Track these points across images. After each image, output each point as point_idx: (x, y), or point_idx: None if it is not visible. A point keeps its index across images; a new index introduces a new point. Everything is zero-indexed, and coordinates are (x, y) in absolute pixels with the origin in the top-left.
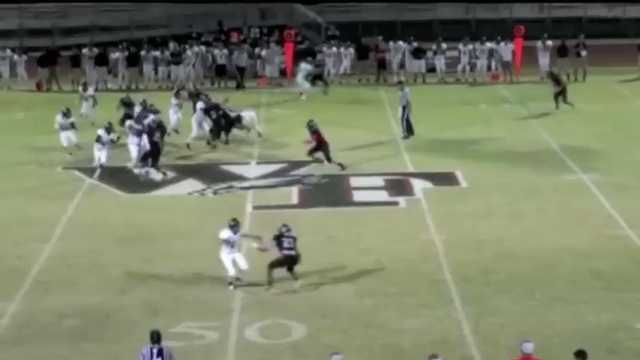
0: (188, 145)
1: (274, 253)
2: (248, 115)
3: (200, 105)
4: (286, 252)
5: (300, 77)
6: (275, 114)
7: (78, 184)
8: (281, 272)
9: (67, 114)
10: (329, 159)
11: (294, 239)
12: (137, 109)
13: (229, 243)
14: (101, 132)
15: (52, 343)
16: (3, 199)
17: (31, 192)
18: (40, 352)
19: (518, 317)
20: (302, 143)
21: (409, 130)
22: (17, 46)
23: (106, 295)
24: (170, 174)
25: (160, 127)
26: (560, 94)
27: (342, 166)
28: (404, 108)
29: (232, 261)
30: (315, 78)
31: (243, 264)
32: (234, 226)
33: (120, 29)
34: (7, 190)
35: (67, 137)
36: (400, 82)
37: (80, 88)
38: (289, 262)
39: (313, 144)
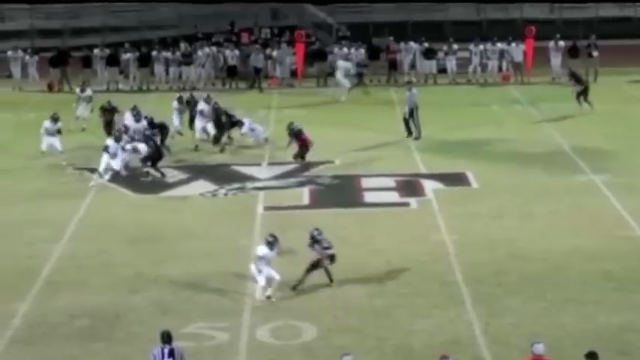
0: (196, 147)
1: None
2: (258, 129)
3: (201, 107)
4: (329, 251)
5: (339, 75)
6: (286, 115)
7: (88, 184)
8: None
9: (56, 119)
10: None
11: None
12: (128, 116)
13: (264, 260)
14: (110, 142)
15: (63, 343)
16: (14, 200)
17: (42, 192)
18: (50, 352)
19: (530, 318)
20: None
21: (409, 130)
22: (28, 47)
23: (117, 295)
24: (176, 173)
25: (162, 129)
26: (582, 93)
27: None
28: (411, 110)
29: (265, 277)
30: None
31: (276, 275)
32: (273, 242)
33: (131, 30)
34: (18, 190)
35: (49, 143)
36: (409, 82)
37: (77, 89)
38: (332, 260)
39: (296, 148)
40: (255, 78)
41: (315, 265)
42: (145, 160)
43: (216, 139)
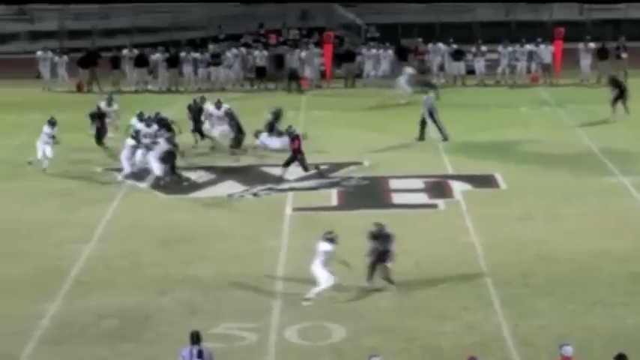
0: (212, 148)
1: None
2: (271, 143)
3: (210, 111)
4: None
5: (402, 80)
6: (315, 116)
7: (117, 185)
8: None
9: (53, 124)
10: (287, 165)
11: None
12: (134, 121)
13: (328, 255)
14: (130, 141)
15: (92, 344)
16: (44, 200)
17: (71, 193)
18: (79, 353)
19: (558, 320)
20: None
21: (422, 135)
22: (58, 48)
23: (146, 296)
24: (205, 174)
25: (166, 127)
26: (619, 98)
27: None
28: (430, 112)
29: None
30: (426, 85)
31: (330, 279)
32: (333, 238)
33: (160, 31)
34: (47, 191)
35: (42, 149)
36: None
37: (103, 104)
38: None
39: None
40: (291, 80)
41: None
42: (166, 163)
43: (239, 142)
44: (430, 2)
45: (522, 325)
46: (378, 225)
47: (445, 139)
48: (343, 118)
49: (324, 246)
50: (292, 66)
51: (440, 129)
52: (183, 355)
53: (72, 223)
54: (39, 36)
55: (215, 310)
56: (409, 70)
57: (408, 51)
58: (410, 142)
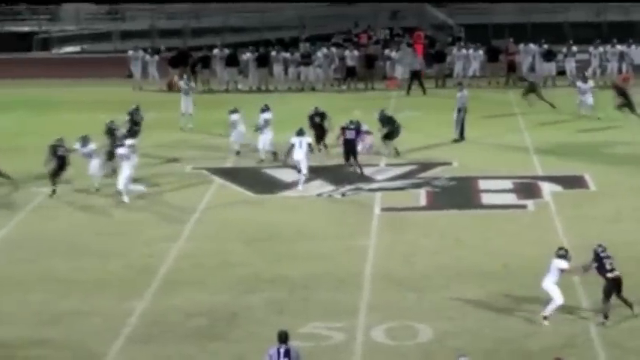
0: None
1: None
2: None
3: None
4: (610, 274)
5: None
6: (404, 116)
7: (207, 184)
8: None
9: (85, 140)
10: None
11: (612, 258)
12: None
13: (561, 272)
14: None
15: (180, 342)
16: (134, 199)
17: (161, 192)
18: (167, 351)
19: None
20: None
21: (462, 134)
22: (149, 47)
23: (234, 294)
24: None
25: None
26: None
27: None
28: (459, 110)
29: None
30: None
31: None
32: (566, 254)
33: (251, 30)
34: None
35: (93, 166)
36: (460, 84)
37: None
38: (618, 284)
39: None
40: (411, 80)
41: (608, 293)
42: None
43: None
44: (521, 2)
45: (611, 327)
46: (601, 246)
47: (457, 140)
48: (431, 117)
49: (560, 263)
50: (414, 67)
51: (458, 129)
52: (270, 353)
53: (161, 222)
54: (130, 35)
55: (302, 310)
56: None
57: (498, 51)
58: (499, 142)
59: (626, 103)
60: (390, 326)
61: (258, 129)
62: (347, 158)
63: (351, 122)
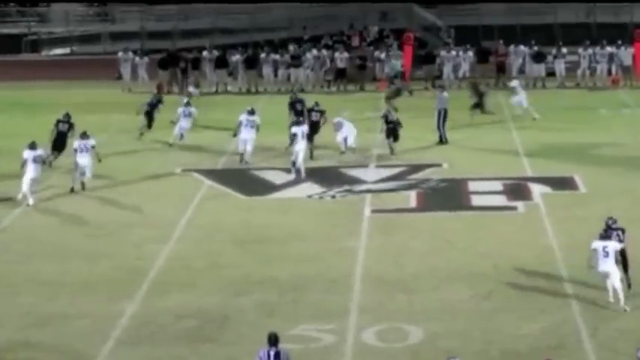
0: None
1: None
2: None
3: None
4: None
5: (514, 99)
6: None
7: (196, 186)
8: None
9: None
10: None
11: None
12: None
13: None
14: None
15: (170, 344)
16: (124, 201)
17: (151, 194)
18: (158, 353)
19: (638, 324)
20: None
21: (443, 137)
22: (138, 49)
23: (224, 296)
24: (284, 175)
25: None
26: None
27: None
28: (439, 112)
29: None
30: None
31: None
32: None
33: (240, 32)
34: (127, 191)
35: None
36: (441, 86)
37: (191, 89)
38: (623, 256)
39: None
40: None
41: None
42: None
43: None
44: (511, 1)
45: (601, 329)
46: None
47: (440, 142)
48: (422, 119)
49: (617, 245)
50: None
51: (440, 130)
52: (260, 356)
53: (151, 223)
54: (120, 37)
55: (293, 312)
56: (513, 84)
57: (488, 52)
58: (488, 144)
59: (478, 104)
60: (380, 328)
61: (236, 134)
62: (310, 138)
63: (316, 104)
